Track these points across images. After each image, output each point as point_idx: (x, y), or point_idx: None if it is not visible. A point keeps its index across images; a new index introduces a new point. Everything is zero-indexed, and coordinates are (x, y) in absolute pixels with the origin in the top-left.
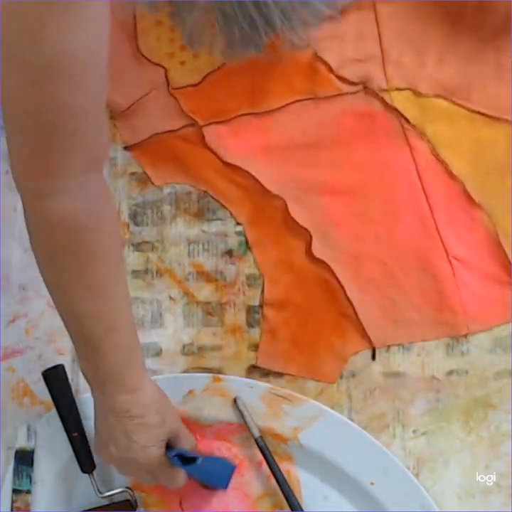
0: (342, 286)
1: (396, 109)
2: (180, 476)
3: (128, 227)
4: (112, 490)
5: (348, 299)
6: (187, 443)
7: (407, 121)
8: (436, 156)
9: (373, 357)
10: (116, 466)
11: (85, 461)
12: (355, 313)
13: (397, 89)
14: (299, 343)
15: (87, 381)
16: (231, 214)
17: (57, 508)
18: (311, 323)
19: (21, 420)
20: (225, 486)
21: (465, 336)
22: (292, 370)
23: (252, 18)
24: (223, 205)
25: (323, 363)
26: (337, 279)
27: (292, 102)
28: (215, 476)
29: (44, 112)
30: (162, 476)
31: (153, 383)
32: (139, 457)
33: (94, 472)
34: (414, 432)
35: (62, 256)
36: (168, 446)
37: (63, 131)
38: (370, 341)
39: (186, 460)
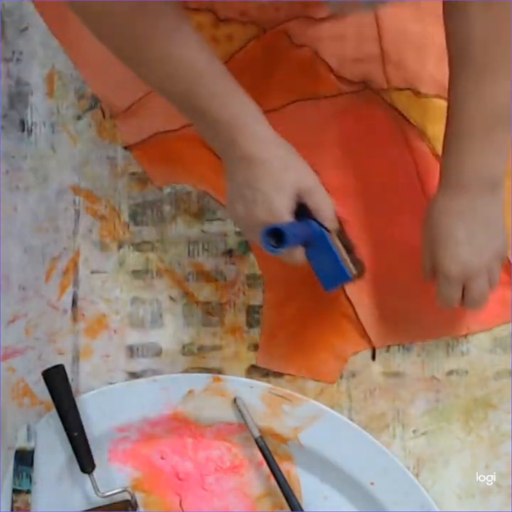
0: (342, 287)
1: (396, 109)
2: (298, 249)
3: (128, 227)
4: (112, 490)
5: (348, 299)
6: (322, 205)
7: (408, 121)
8: (437, 157)
9: (373, 357)
10: (242, 227)
11: (85, 461)
12: (355, 313)
13: (398, 89)
14: (299, 344)
15: (212, 146)
16: None
17: (57, 508)
18: (311, 323)
19: (21, 420)
20: (328, 288)
21: (465, 336)
22: (292, 370)
23: None
24: (223, 205)
25: (324, 363)
26: None
27: (292, 102)
28: (324, 272)
29: None
30: None
31: (273, 132)
32: (264, 210)
33: (94, 472)
34: (414, 431)
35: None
36: (299, 214)
37: None
38: (370, 341)
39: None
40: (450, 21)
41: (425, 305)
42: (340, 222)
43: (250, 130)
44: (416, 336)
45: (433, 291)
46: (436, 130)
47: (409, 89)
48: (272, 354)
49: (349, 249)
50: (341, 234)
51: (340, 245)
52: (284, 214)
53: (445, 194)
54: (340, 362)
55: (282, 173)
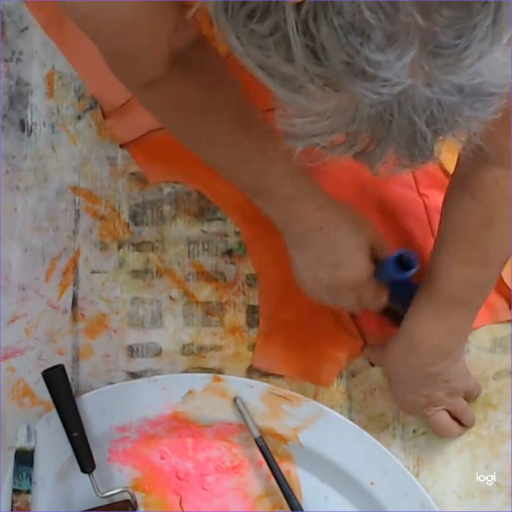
0: None
1: None
2: (384, 292)
3: (128, 227)
4: (112, 490)
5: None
6: (385, 250)
7: None
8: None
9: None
10: (324, 293)
11: (85, 461)
12: (353, 320)
13: None
14: (294, 346)
15: (279, 227)
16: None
17: (57, 508)
18: (307, 326)
19: (21, 420)
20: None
21: None
22: (287, 371)
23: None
24: (218, 205)
25: (319, 366)
26: None
27: None
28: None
29: None
30: (367, 293)
31: (330, 198)
32: (348, 272)
33: (94, 472)
34: (414, 431)
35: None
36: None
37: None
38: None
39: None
40: (446, 200)
41: None
42: None
43: (316, 204)
44: None
45: None
46: None
47: None
48: (267, 355)
49: None
50: None
51: None
52: (369, 268)
53: (399, 344)
54: (336, 366)
55: (357, 234)
